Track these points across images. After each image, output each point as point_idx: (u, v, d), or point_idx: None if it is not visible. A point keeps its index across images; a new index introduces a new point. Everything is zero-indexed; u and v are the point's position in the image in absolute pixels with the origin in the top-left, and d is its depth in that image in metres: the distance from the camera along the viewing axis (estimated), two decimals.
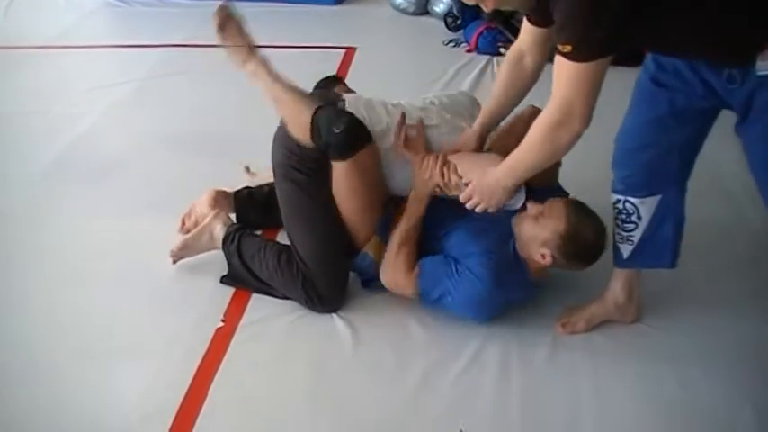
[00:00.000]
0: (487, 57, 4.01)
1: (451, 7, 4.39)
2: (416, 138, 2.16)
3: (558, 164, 2.17)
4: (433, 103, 2.28)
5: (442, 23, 4.42)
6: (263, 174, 2.53)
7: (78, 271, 2.38)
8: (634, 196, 1.93)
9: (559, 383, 1.95)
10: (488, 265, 1.99)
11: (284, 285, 2.20)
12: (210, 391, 1.92)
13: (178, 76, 3.85)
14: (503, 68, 2.08)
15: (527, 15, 1.90)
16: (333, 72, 3.43)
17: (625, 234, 1.99)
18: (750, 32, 1.54)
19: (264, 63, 2.18)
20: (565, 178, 2.28)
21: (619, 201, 1.96)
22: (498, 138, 2.21)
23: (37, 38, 4.37)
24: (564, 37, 1.56)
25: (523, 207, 2.02)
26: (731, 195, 2.71)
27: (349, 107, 2.15)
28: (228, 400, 1.90)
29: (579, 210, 1.99)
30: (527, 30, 1.93)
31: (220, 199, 2.47)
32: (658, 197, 1.92)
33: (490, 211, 1.98)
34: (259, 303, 2.23)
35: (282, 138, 2.19)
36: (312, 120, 2.09)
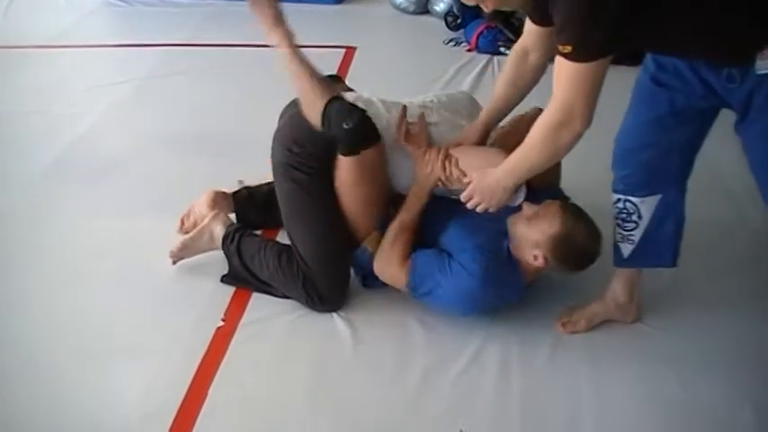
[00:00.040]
0: (488, 56, 4.00)
1: (452, 6, 4.39)
2: (418, 132, 2.16)
3: (558, 163, 2.16)
4: (432, 101, 2.28)
5: (443, 23, 4.42)
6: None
7: (78, 271, 2.38)
8: (634, 196, 1.93)
9: (559, 383, 1.95)
10: (481, 261, 1.99)
11: (285, 285, 2.20)
12: (211, 391, 1.92)
13: (178, 76, 3.84)
14: (507, 64, 2.08)
15: (528, 15, 1.90)
16: (333, 71, 3.42)
17: (625, 233, 1.99)
18: (750, 32, 1.54)
19: (288, 37, 2.18)
20: (565, 178, 2.29)
21: (619, 200, 1.96)
22: (501, 136, 2.21)
23: (37, 38, 4.37)
24: (564, 38, 1.56)
25: (519, 207, 2.02)
26: (731, 195, 2.71)
27: None
28: (229, 400, 1.90)
29: (574, 213, 1.98)
30: (530, 27, 1.93)
31: (219, 199, 2.47)
32: (658, 196, 1.91)
33: (491, 210, 1.98)
34: (259, 303, 2.23)
35: (282, 137, 2.19)
36: (324, 110, 2.09)
